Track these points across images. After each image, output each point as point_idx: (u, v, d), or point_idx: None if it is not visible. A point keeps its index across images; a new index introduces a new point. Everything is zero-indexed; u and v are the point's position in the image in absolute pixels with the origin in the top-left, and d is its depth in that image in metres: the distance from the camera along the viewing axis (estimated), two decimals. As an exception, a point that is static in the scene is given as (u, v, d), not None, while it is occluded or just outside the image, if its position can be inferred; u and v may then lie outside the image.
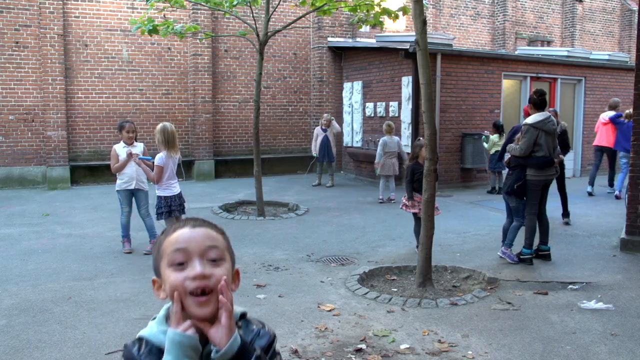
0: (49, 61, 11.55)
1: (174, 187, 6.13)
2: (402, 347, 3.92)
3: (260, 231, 7.73)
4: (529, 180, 6.02)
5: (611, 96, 13.93)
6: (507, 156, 6.36)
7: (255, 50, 9.22)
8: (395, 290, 5.27)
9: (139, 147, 6.60)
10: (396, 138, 10.20)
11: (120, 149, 6.56)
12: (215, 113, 13.34)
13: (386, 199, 10.01)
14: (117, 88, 12.39)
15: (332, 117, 12.14)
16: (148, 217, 6.64)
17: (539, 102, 6.06)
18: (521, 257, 6.03)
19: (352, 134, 13.65)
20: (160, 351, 1.14)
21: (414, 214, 6.40)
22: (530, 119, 6.02)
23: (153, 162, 6.14)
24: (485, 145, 11.09)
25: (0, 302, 4.88)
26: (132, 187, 6.56)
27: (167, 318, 1.19)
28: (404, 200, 6.54)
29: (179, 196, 6.17)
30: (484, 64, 11.99)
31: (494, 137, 10.90)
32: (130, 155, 6.41)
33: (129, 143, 6.58)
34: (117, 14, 12.24)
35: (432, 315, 4.54)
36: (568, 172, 13.32)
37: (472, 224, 8.17)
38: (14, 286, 5.30)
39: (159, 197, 6.08)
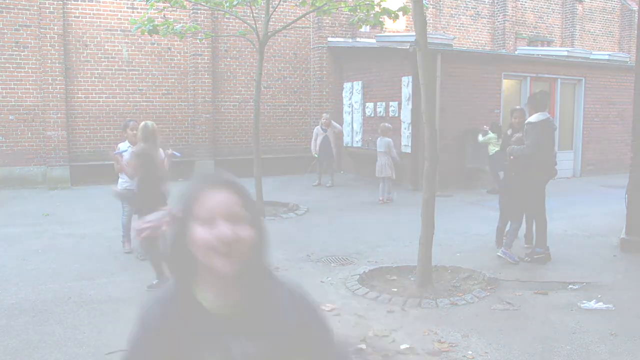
0: (49, 61, 11.55)
1: None
2: (402, 347, 3.92)
3: (260, 231, 7.72)
4: (534, 179, 6.00)
5: (611, 96, 13.97)
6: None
7: (255, 50, 9.22)
8: (395, 290, 5.26)
9: None
10: (386, 139, 10.10)
11: (124, 149, 6.57)
12: (215, 113, 13.33)
13: (386, 199, 10.01)
14: (117, 88, 12.39)
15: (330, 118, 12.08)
16: (148, 217, 6.63)
17: (540, 102, 6.06)
18: (535, 256, 6.03)
19: (352, 134, 13.65)
20: None
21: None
22: (533, 118, 6.01)
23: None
24: (480, 138, 10.92)
25: (0, 302, 4.88)
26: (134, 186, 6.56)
27: None
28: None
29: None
30: (484, 64, 11.98)
31: (493, 136, 10.86)
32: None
33: (133, 142, 6.59)
34: (117, 14, 12.24)
35: (432, 315, 4.54)
36: (568, 172, 13.36)
37: (472, 224, 8.16)
38: (14, 286, 5.30)
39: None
